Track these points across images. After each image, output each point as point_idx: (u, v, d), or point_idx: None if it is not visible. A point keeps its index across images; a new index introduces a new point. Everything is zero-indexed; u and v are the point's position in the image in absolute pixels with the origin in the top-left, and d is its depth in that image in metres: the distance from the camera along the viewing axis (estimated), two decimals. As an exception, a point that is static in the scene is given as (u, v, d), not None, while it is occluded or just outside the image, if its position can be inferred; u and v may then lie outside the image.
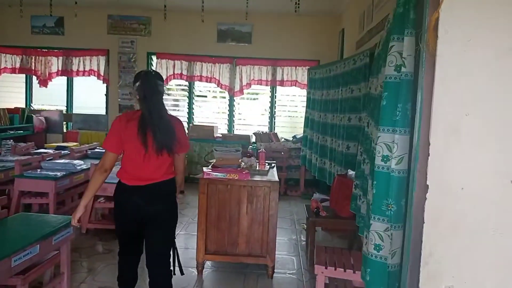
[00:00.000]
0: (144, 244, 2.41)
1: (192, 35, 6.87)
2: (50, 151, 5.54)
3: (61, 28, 6.98)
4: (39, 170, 4.24)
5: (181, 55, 6.89)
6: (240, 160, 3.68)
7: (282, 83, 6.86)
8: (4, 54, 7.03)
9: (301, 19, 6.72)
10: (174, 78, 6.94)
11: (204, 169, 3.27)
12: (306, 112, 5.65)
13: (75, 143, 6.07)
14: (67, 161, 4.53)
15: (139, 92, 2.30)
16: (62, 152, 5.31)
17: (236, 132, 7.14)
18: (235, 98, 7.04)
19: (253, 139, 6.86)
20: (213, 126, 6.83)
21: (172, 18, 6.33)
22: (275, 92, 7.06)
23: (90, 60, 7.03)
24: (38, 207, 4.44)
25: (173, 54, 6.90)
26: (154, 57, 7.03)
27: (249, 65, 6.86)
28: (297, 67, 6.81)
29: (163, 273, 2.40)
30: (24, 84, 7.28)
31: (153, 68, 7.04)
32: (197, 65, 6.91)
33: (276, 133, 6.87)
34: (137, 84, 2.31)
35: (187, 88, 7.15)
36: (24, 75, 7.20)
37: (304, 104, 7.02)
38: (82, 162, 4.65)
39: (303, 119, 7.09)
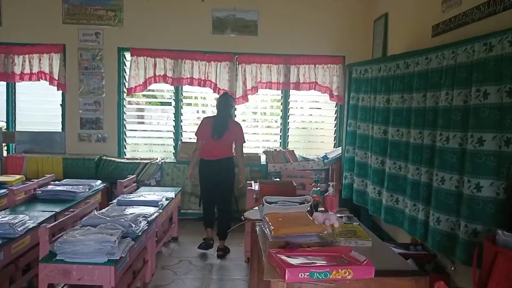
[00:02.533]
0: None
1: (179, 25, 5.19)
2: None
3: (-4, 15, 5.09)
4: None
5: (164, 50, 5.19)
6: (312, 219, 2.10)
7: (298, 86, 5.31)
8: None
9: (322, 3, 5.23)
10: (156, 81, 5.22)
11: (273, 252, 1.66)
12: (348, 125, 4.14)
13: (18, 176, 4.21)
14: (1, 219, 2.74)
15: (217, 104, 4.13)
16: (-4, 195, 3.49)
17: (237, 150, 5.51)
18: (236, 106, 5.42)
19: (263, 158, 5.29)
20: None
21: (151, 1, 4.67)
22: (288, 98, 5.51)
23: (40, 59, 5.16)
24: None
25: (154, 50, 5.18)
26: (127, 54, 5.29)
27: (255, 64, 5.27)
28: (317, 66, 5.29)
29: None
30: None
31: (127, 68, 5.29)
32: (186, 64, 5.22)
33: (292, 150, 5.32)
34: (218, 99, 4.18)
35: (174, 94, 5.45)
36: None
37: (325, 112, 5.59)
38: (26, 217, 2.88)
39: (320, 131, 5.68)
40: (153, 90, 5.56)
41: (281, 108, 5.50)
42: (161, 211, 3.36)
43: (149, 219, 3.03)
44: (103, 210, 3.14)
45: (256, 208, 2.37)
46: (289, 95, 5.47)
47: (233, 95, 5.25)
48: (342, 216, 2.39)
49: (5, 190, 3.70)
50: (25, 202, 3.57)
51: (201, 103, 5.58)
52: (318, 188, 2.57)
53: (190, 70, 5.22)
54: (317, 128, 5.73)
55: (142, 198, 3.54)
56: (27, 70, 5.15)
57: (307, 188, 4.84)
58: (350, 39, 5.26)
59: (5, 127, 5.30)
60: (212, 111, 5.79)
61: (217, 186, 3.97)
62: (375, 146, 3.56)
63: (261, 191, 3.45)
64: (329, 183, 2.59)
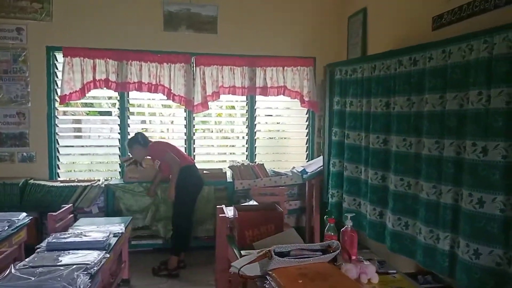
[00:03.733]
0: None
1: (124, 19, 4.36)
2: None
3: None
4: None
5: (105, 50, 4.32)
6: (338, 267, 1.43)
7: (265, 91, 4.67)
8: None
9: (289, -2, 4.66)
10: (96, 86, 4.32)
11: None
12: (334, 134, 3.55)
13: None
14: None
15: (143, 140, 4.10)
16: None
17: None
18: (194, 115, 4.67)
19: (229, 174, 4.57)
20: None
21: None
22: (254, 105, 4.85)
23: None
24: None
25: (92, 50, 4.28)
26: (59, 55, 4.34)
27: (216, 66, 4.55)
28: (286, 68, 4.70)
29: None
30: None
31: (59, 71, 4.33)
32: (133, 66, 4.37)
33: (262, 164, 4.65)
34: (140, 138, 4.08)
35: (118, 102, 4.57)
36: None
37: (296, 120, 5.00)
38: None
39: (290, 141, 5.08)
40: (93, 98, 4.65)
41: (247, 116, 4.82)
42: (108, 255, 2.52)
43: (92, 272, 2.19)
44: (26, 261, 2.25)
45: (248, 257, 1.65)
46: (255, 101, 4.81)
47: (190, 101, 4.50)
48: (370, 260, 1.75)
49: None
50: None
51: (148, 112, 4.71)
52: (333, 224, 1.91)
53: (138, 73, 4.38)
54: (285, 138, 5.12)
55: (82, 238, 2.67)
56: None
57: (281, 206, 4.21)
58: (321, 38, 4.73)
59: None
60: (161, 120, 5.11)
61: (198, 193, 4.11)
62: (372, 158, 2.99)
63: (240, 219, 2.74)
64: (346, 214, 1.93)
